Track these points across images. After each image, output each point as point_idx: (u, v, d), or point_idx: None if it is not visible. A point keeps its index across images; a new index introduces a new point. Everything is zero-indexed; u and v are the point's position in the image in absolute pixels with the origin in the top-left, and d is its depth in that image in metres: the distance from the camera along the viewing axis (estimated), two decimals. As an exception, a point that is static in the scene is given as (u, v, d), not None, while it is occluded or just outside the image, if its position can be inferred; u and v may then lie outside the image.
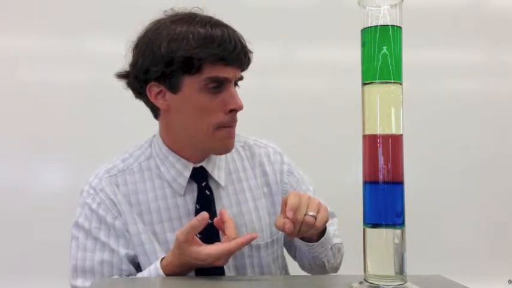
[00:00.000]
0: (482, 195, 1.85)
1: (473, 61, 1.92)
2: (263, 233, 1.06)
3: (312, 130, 1.75)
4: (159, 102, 0.99)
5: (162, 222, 1.01)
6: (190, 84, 0.95)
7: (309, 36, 1.79)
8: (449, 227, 1.86)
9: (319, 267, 1.07)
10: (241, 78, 1.02)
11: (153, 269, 0.92)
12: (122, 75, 1.02)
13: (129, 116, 1.67)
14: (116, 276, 0.98)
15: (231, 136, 1.00)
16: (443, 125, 1.85)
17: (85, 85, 1.72)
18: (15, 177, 1.70)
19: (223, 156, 1.07)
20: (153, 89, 0.98)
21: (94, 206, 1.01)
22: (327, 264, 1.05)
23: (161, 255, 0.97)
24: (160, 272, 0.91)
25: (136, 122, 1.66)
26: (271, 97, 1.75)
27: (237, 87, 1.01)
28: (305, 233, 0.93)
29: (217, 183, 1.04)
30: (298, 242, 1.04)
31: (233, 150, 1.07)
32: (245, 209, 1.06)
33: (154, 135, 1.08)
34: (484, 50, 1.93)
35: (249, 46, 0.99)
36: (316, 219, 0.90)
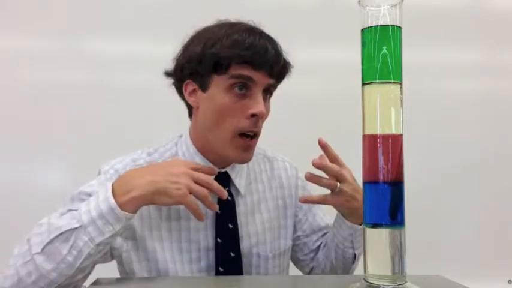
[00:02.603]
0: (482, 195, 1.85)
1: (473, 61, 1.92)
2: (273, 244, 1.07)
3: (312, 130, 1.74)
4: (191, 100, 1.01)
5: (180, 219, 1.00)
6: (218, 83, 0.96)
7: (309, 37, 1.78)
8: (449, 227, 1.86)
9: (342, 266, 1.07)
10: (273, 87, 1.02)
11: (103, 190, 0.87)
12: (168, 73, 1.05)
13: (128, 116, 1.67)
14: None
15: (248, 148, 0.98)
16: (443, 125, 1.84)
17: (85, 85, 1.72)
18: (15, 177, 1.70)
19: (244, 166, 1.07)
20: (188, 87, 1.01)
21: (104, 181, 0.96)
22: (355, 260, 1.06)
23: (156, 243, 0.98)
24: (109, 191, 0.85)
25: (136, 122, 1.67)
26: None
27: (268, 98, 1.02)
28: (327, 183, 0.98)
29: (238, 191, 1.05)
30: (338, 231, 1.04)
31: (254, 161, 1.09)
32: (258, 219, 1.06)
33: (181, 136, 1.07)
34: (484, 50, 1.93)
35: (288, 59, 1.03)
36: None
